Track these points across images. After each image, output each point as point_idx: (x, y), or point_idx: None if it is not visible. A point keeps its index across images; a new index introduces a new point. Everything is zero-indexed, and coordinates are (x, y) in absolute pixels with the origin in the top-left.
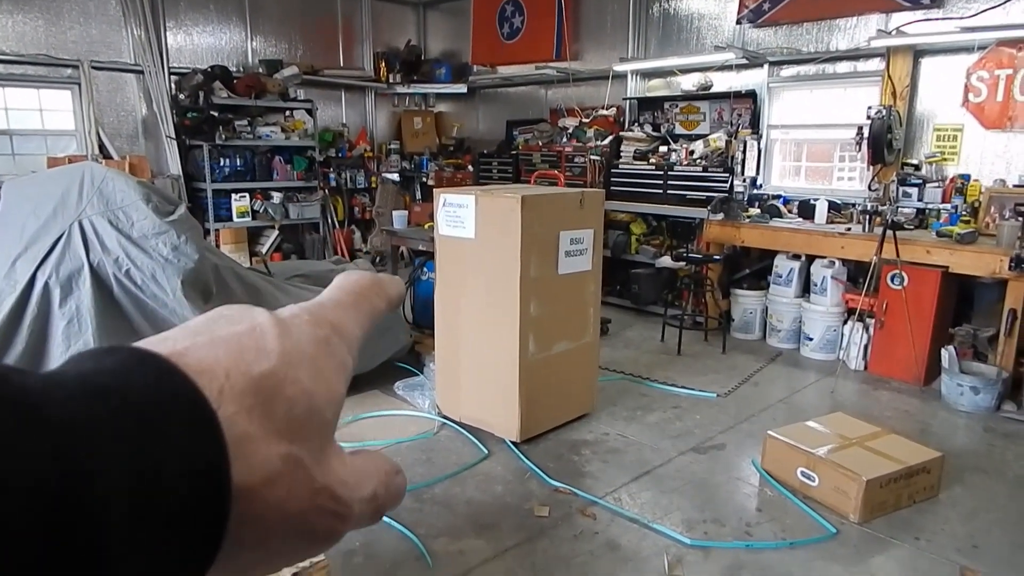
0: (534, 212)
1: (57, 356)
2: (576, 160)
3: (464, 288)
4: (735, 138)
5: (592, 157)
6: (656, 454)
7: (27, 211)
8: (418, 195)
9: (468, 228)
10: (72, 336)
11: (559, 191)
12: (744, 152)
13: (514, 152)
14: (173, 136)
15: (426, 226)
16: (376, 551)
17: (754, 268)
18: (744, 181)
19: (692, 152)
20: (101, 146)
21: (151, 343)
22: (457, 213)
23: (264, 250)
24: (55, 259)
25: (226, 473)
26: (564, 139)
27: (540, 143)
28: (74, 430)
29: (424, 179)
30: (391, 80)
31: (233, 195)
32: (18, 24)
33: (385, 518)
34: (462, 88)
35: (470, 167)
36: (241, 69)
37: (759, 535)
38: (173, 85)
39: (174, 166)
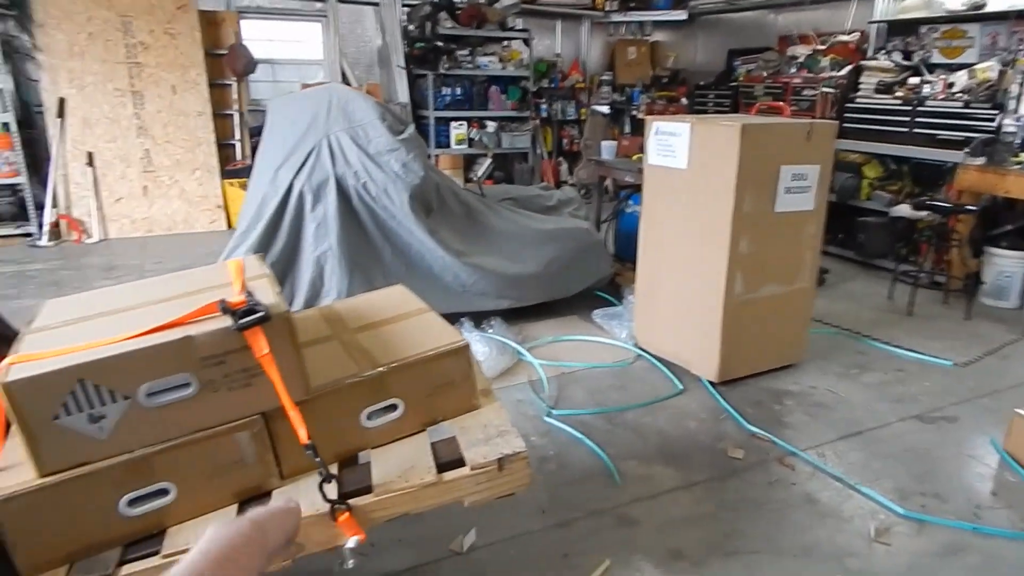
0: (754, 142)
1: (308, 253)
2: (804, 93)
3: (671, 221)
4: (1012, 68)
5: (825, 89)
6: (870, 416)
7: (287, 126)
8: (627, 128)
9: (680, 158)
10: (319, 238)
11: (784, 121)
12: (1021, 86)
13: (733, 84)
14: (403, 66)
15: (634, 157)
16: (568, 461)
17: (1018, 224)
18: (1018, 120)
19: (951, 85)
20: (343, 74)
21: None
22: (669, 142)
23: (477, 177)
24: (308, 169)
25: None
26: (793, 69)
27: (764, 74)
28: None
29: (635, 112)
30: (607, 8)
31: (452, 123)
32: None
33: (578, 434)
34: (682, 15)
35: (684, 100)
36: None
37: (990, 520)
38: (404, 16)
39: (403, 94)
